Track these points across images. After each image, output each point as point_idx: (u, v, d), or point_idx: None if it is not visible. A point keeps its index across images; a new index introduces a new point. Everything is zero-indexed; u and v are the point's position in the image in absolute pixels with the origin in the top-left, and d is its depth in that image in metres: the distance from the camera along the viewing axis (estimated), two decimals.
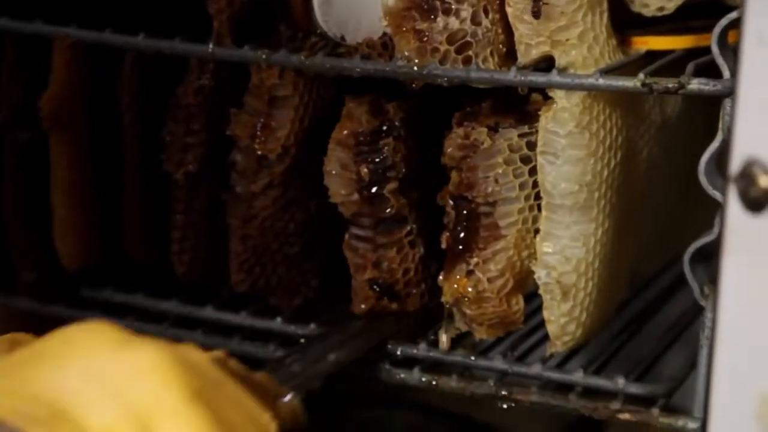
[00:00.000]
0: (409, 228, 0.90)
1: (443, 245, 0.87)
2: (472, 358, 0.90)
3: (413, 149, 0.90)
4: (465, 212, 0.86)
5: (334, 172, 0.89)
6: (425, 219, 0.91)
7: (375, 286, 0.91)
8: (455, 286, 0.85)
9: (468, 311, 0.86)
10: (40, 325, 1.06)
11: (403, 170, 0.89)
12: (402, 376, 0.90)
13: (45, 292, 1.04)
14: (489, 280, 0.85)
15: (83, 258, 1.02)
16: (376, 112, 0.89)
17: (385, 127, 0.89)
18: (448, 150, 0.86)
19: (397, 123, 0.89)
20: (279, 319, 0.96)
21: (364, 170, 0.88)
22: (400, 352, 0.91)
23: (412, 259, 0.91)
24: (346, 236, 0.91)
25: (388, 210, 0.89)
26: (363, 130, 0.89)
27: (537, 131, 0.83)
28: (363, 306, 0.91)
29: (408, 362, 0.91)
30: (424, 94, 0.88)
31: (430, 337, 0.92)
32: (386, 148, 0.89)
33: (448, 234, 0.87)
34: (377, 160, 0.89)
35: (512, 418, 1.13)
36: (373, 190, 0.89)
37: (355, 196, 0.89)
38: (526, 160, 0.85)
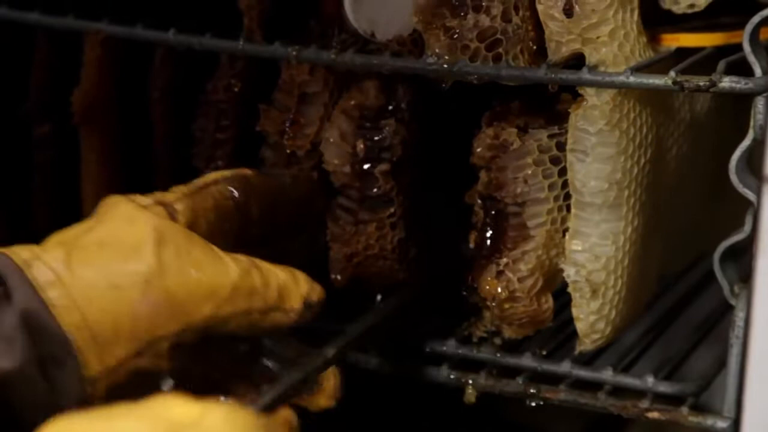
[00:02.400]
0: (392, 210, 0.90)
1: (471, 244, 0.87)
2: (500, 355, 0.90)
3: (413, 134, 0.90)
4: (493, 212, 0.86)
5: (332, 140, 0.90)
6: (411, 204, 0.91)
7: (353, 258, 0.91)
8: (487, 287, 0.85)
9: (498, 311, 0.86)
10: None
11: (399, 153, 0.89)
12: (430, 372, 0.90)
13: None
14: (519, 280, 0.85)
15: None
16: (385, 90, 0.89)
17: (390, 107, 0.89)
18: (478, 150, 0.86)
19: (403, 105, 0.89)
20: None
21: (360, 146, 0.89)
22: (429, 349, 0.91)
23: (391, 240, 0.90)
24: (332, 205, 0.91)
25: (375, 189, 0.89)
26: (369, 105, 0.89)
27: (567, 132, 0.83)
28: (339, 277, 0.91)
29: (436, 359, 0.91)
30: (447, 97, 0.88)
31: (460, 333, 0.91)
32: (387, 128, 0.89)
33: (476, 233, 0.87)
34: (376, 138, 0.89)
35: (535, 415, 1.13)
36: (365, 166, 0.89)
37: (347, 168, 0.89)
38: (555, 160, 0.85)
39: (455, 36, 0.84)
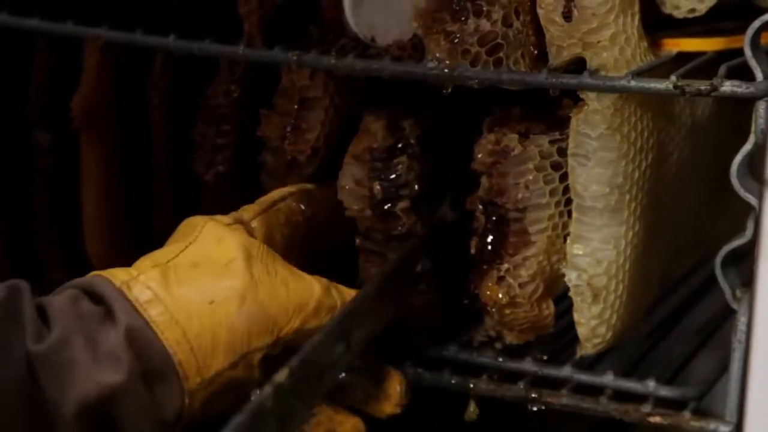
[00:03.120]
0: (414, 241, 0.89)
1: (472, 250, 0.87)
2: (502, 359, 0.90)
3: (428, 166, 0.90)
4: (494, 218, 0.86)
5: (347, 186, 0.89)
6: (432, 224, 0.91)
7: None
8: (487, 292, 0.85)
9: (499, 316, 0.86)
10: None
11: (416, 188, 0.89)
12: (432, 377, 0.90)
13: None
14: (520, 286, 0.85)
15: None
16: (392, 129, 0.89)
17: (400, 145, 0.89)
18: (479, 155, 0.86)
19: (412, 141, 0.88)
20: None
21: (377, 187, 0.88)
22: (430, 354, 0.91)
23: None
24: (360, 249, 0.90)
25: (399, 228, 0.89)
26: (378, 146, 0.89)
27: (568, 137, 0.83)
28: None
29: (437, 364, 0.91)
30: (447, 101, 0.88)
31: (461, 338, 0.91)
32: (400, 166, 0.88)
33: (477, 239, 0.87)
34: (391, 177, 0.89)
35: (537, 419, 1.12)
36: (386, 207, 0.89)
37: (368, 212, 0.89)
38: (556, 166, 0.84)
39: (456, 40, 0.84)
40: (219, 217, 0.81)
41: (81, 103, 0.97)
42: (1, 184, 1.05)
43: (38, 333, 0.72)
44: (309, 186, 0.89)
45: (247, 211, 0.84)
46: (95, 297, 0.75)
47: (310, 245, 0.87)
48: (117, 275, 0.75)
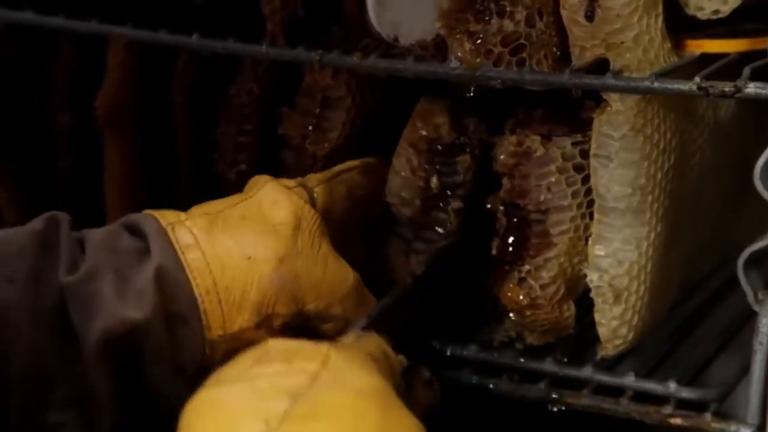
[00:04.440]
0: (448, 242, 0.89)
1: (493, 251, 0.87)
2: (522, 360, 0.90)
3: (481, 168, 0.89)
4: (516, 219, 0.86)
5: (403, 173, 0.89)
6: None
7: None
8: (508, 294, 0.85)
9: (520, 318, 0.86)
10: None
11: (470, 189, 0.88)
12: (452, 377, 0.90)
13: None
14: (541, 288, 0.85)
15: None
16: (457, 125, 0.88)
17: (462, 142, 0.88)
18: (501, 157, 0.85)
19: (475, 141, 0.88)
20: None
21: (435, 181, 0.88)
22: (450, 353, 0.91)
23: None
24: (387, 233, 0.90)
25: (443, 226, 0.89)
26: (441, 140, 0.88)
27: (590, 139, 0.83)
28: None
29: (457, 363, 0.91)
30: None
31: (481, 338, 0.91)
32: (460, 164, 0.88)
33: (498, 240, 0.87)
34: (450, 174, 0.88)
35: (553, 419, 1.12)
36: (439, 203, 0.88)
37: (417, 203, 0.89)
38: (579, 168, 0.84)
39: (479, 41, 0.84)
40: (284, 180, 0.82)
41: (105, 102, 0.98)
42: (25, 182, 1.05)
43: (72, 264, 0.73)
44: (372, 160, 0.89)
45: (312, 179, 0.84)
46: (138, 233, 0.75)
47: (363, 224, 0.87)
48: (166, 216, 0.77)
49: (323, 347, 0.66)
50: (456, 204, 0.88)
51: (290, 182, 0.82)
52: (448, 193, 0.88)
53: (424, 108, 0.89)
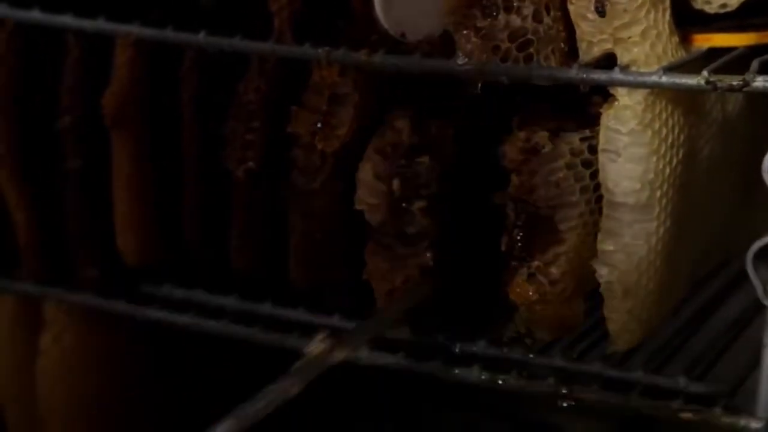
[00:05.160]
0: (430, 241, 0.89)
1: (502, 247, 0.87)
2: (531, 355, 0.90)
3: (450, 167, 0.90)
4: (524, 215, 0.86)
5: (366, 179, 0.89)
6: (448, 222, 0.91)
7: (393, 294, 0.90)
8: (517, 290, 0.85)
9: (529, 314, 0.86)
10: (102, 322, 1.09)
11: (435, 189, 0.88)
12: (461, 373, 0.90)
13: (105, 288, 1.05)
14: (551, 284, 0.85)
15: (144, 254, 1.03)
16: (418, 127, 0.89)
17: (424, 144, 0.88)
18: (509, 153, 0.85)
19: (437, 141, 0.88)
20: (337, 316, 0.97)
21: (396, 183, 0.88)
22: (459, 349, 0.91)
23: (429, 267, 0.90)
24: (369, 242, 0.90)
25: (412, 227, 0.88)
26: (402, 143, 0.88)
27: (598, 135, 0.83)
28: None
29: (466, 360, 0.91)
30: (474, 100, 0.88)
31: (490, 334, 0.91)
32: (422, 165, 0.88)
33: (507, 236, 0.86)
34: (411, 175, 0.88)
35: (563, 416, 1.12)
36: (402, 204, 0.88)
37: (383, 207, 0.89)
38: (587, 164, 0.84)
39: (486, 36, 0.84)
40: None
41: (112, 101, 0.98)
42: (32, 183, 1.05)
43: None
44: None
45: None
46: None
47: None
48: None
49: None
50: (420, 204, 0.88)
51: None
52: (411, 194, 0.88)
53: (391, 117, 0.89)
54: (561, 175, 0.84)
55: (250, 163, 0.96)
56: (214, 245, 1.00)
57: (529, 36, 0.83)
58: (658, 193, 0.84)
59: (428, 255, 0.89)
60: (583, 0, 0.81)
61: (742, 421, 0.82)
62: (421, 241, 0.89)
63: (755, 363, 0.83)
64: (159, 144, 1.01)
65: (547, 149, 0.84)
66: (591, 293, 0.88)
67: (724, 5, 0.85)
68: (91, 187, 1.03)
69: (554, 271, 0.85)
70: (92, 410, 1.12)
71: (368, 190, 0.89)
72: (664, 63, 0.81)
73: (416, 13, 0.88)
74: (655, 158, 0.82)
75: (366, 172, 0.89)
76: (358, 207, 0.90)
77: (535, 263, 0.85)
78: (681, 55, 0.84)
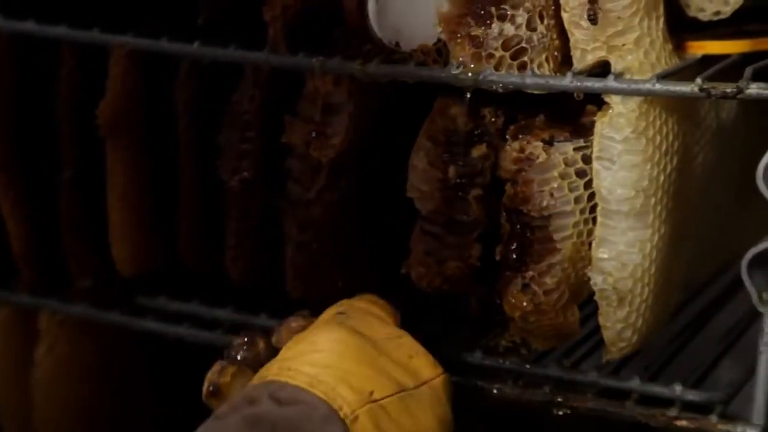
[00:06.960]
0: (478, 233, 0.88)
1: (497, 257, 0.87)
2: (527, 365, 0.90)
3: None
4: (519, 225, 0.86)
5: (420, 166, 0.88)
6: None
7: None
8: (512, 300, 0.85)
9: (524, 324, 0.86)
10: (95, 332, 1.09)
11: (489, 178, 0.87)
12: (457, 382, 0.90)
13: (100, 299, 1.05)
14: (545, 293, 0.84)
15: (138, 264, 1.03)
16: (473, 114, 0.88)
17: (479, 132, 0.88)
18: (503, 163, 0.85)
19: (492, 130, 0.88)
20: None
21: (452, 171, 0.87)
22: (455, 359, 0.91)
23: (475, 260, 0.89)
24: (416, 229, 0.89)
25: (466, 216, 0.88)
26: (457, 130, 0.88)
27: (592, 144, 0.83)
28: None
29: (463, 369, 0.91)
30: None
31: (486, 344, 0.91)
32: (478, 153, 0.87)
33: (501, 246, 0.86)
34: (468, 163, 0.87)
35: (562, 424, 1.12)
36: (459, 193, 0.88)
37: (437, 195, 0.88)
38: (581, 173, 0.84)
39: (480, 45, 0.84)
40: None
41: (107, 111, 0.98)
42: (27, 192, 1.05)
43: None
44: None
45: None
46: None
47: None
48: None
49: None
50: (476, 192, 0.87)
51: None
52: (467, 182, 0.87)
53: (442, 101, 0.88)
54: (555, 185, 0.84)
55: (245, 173, 0.96)
56: (209, 255, 1.00)
57: (523, 44, 0.83)
58: (653, 201, 0.84)
59: (477, 246, 0.88)
60: (577, 8, 0.81)
61: (739, 428, 0.82)
62: (471, 231, 0.88)
63: (751, 370, 0.83)
64: (154, 154, 1.01)
65: (541, 159, 0.84)
66: (586, 301, 0.88)
67: (717, 13, 0.85)
68: (86, 197, 1.03)
69: (548, 280, 0.85)
70: (86, 420, 1.12)
71: (421, 176, 0.88)
72: (658, 70, 0.82)
73: (410, 22, 0.88)
74: (649, 166, 0.83)
75: (420, 159, 0.88)
76: (409, 194, 0.89)
77: (530, 273, 0.85)
78: (675, 62, 0.84)
